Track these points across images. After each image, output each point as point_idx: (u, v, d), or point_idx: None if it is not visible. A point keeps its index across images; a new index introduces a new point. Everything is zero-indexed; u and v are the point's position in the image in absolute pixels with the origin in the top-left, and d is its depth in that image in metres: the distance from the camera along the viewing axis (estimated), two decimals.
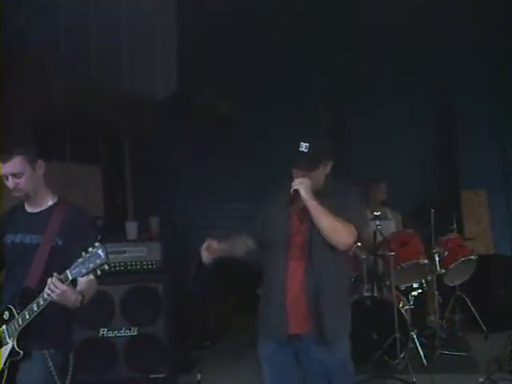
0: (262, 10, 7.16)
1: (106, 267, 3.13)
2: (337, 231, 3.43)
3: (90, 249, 3.12)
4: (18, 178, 3.49)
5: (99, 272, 3.15)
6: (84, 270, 3.13)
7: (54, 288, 3.17)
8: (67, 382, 3.46)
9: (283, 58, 7.77)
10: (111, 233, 6.27)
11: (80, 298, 3.31)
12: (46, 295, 3.21)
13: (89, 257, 3.12)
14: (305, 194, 3.44)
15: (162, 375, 5.77)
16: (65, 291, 3.19)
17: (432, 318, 6.68)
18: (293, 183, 3.48)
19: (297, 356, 3.58)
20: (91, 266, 3.11)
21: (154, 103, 6.97)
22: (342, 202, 3.52)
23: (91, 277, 3.31)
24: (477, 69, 7.68)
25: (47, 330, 3.37)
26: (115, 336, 5.74)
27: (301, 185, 3.45)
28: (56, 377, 3.39)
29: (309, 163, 3.51)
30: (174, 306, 6.05)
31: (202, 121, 7.94)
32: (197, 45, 7.28)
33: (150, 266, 5.93)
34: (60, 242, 3.45)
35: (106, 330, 5.73)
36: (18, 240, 3.53)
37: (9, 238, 3.56)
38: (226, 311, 7.48)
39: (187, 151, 8.07)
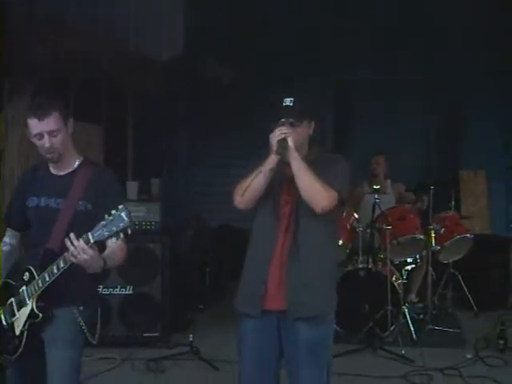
0: None
1: (129, 231, 2.94)
2: (315, 192, 3.21)
3: (114, 211, 2.93)
4: (55, 136, 3.23)
5: (122, 235, 2.96)
6: (106, 233, 2.94)
7: (82, 253, 2.97)
8: (96, 337, 3.32)
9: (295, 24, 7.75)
10: None
11: (102, 264, 3.11)
12: (70, 258, 3.01)
13: (111, 220, 2.93)
14: (291, 143, 3.22)
15: (155, 334, 5.87)
16: (92, 256, 3.00)
17: (412, 296, 6.76)
18: (276, 131, 3.24)
19: (278, 332, 3.35)
20: (114, 229, 2.93)
21: (160, 64, 6.93)
22: (324, 167, 3.31)
23: (119, 242, 3.13)
24: (479, 50, 7.66)
25: (75, 288, 3.21)
26: (110, 294, 5.81)
27: (289, 134, 3.23)
28: (87, 332, 3.25)
29: (294, 116, 3.29)
30: (170, 267, 6.10)
31: (205, 84, 7.92)
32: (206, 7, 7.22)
33: (148, 227, 5.98)
34: (85, 207, 3.27)
35: (101, 287, 5.78)
36: (43, 203, 3.32)
37: (33, 201, 3.35)
38: (222, 276, 7.55)
39: (190, 114, 8.07)
